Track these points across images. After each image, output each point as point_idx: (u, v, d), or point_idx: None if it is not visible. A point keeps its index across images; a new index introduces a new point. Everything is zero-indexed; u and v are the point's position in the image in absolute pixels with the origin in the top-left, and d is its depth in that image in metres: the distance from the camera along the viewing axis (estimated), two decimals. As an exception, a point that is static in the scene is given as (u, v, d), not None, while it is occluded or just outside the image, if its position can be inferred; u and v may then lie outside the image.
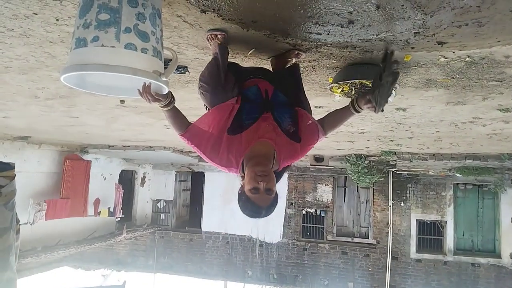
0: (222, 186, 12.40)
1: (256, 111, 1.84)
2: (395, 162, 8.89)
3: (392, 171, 10.59)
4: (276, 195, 1.80)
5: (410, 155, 7.91)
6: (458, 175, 9.32)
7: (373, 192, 11.37)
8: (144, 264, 13.04)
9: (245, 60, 2.49)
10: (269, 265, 11.96)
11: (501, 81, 2.75)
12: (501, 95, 3.12)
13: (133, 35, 1.48)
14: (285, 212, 11.95)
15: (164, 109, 1.78)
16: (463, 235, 10.86)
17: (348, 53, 2.32)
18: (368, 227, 11.47)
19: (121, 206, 11.12)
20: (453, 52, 2.25)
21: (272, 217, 12.21)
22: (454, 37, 2.02)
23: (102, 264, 13.20)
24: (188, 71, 2.73)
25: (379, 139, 6.13)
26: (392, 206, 11.01)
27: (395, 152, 7.88)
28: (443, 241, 10.87)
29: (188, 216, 13.89)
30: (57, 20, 1.91)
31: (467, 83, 2.86)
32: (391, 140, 6.22)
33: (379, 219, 11.26)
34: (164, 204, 13.40)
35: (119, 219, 11.29)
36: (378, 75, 1.82)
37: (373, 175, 9.56)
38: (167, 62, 1.76)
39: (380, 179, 10.26)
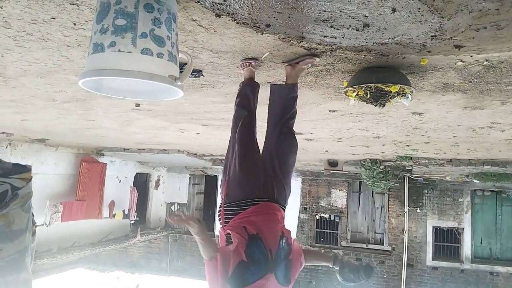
0: (236, 190, 12.40)
1: (259, 273, 1.93)
2: (411, 168, 8.77)
3: (408, 177, 10.45)
4: None
5: (426, 161, 7.79)
6: (475, 181, 9.14)
7: (389, 197, 11.24)
8: (158, 267, 13.12)
9: (260, 64, 2.48)
10: (282, 270, 11.88)
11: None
12: (519, 100, 3.06)
13: (149, 40, 1.49)
14: (299, 217, 11.89)
15: (197, 237, 1.96)
16: (481, 242, 10.64)
17: (363, 56, 2.30)
18: (383, 234, 11.33)
19: (135, 208, 11.22)
20: (471, 56, 2.21)
21: (286, 222, 12.14)
22: (472, 40, 1.99)
23: (116, 266, 13.32)
24: (203, 75, 2.75)
25: (395, 143, 6.05)
26: (408, 212, 10.85)
27: (411, 157, 7.77)
28: (460, 249, 10.66)
29: (202, 219, 13.91)
30: (75, 24, 1.94)
31: (485, 87, 2.80)
32: (407, 145, 6.14)
33: (395, 226, 11.11)
34: (178, 207, 13.48)
35: (133, 221, 11.39)
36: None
37: (389, 180, 9.44)
38: (182, 66, 1.77)
39: (396, 184, 10.13)
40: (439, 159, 7.69)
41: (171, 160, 10.53)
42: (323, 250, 11.58)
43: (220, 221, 2.23)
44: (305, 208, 11.93)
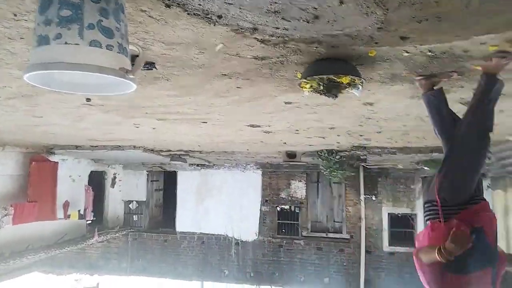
0: (195, 185, 12.33)
1: (481, 262, 2.03)
2: (365, 157, 9.07)
3: (363, 166, 10.81)
4: None
5: (379, 150, 8.08)
6: (425, 168, 9.60)
7: (345, 187, 11.58)
8: (118, 267, 12.81)
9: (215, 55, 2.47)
10: (246, 264, 11.98)
11: (461, 75, 2.86)
12: (462, 89, 3.24)
13: (97, 31, 1.44)
14: (260, 209, 12.00)
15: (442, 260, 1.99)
16: (433, 226, 11.21)
17: (315, 48, 2.35)
18: (342, 222, 11.67)
19: (91, 208, 10.88)
20: (415, 47, 2.32)
21: (247, 215, 12.35)
22: (416, 32, 2.09)
23: (73, 268, 12.87)
24: (156, 68, 2.70)
25: (349, 134, 6.24)
26: (364, 200, 11.24)
27: (365, 147, 8.03)
28: (414, 234, 11.17)
29: (162, 217, 13.73)
30: (15, 15, 1.85)
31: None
32: (361, 135, 6.35)
33: (352, 214, 11.48)
34: (137, 205, 13.19)
35: (90, 221, 11.04)
36: None
37: (345, 170, 9.71)
38: (133, 59, 1.73)
39: (352, 174, 10.44)
40: (391, 148, 8.00)
41: (127, 156, 10.27)
42: (285, 242, 11.78)
43: (435, 219, 2.27)
44: (266, 201, 12.06)
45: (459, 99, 3.62)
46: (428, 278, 2.12)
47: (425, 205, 2.39)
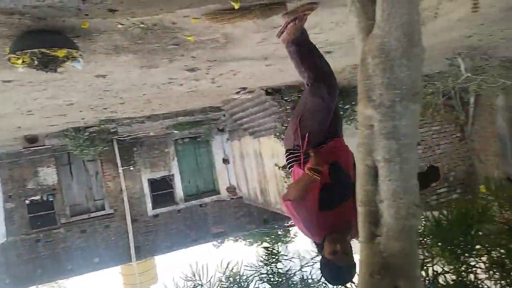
0: None
1: (344, 194, 2.06)
2: (116, 129, 8.99)
3: (116, 139, 10.69)
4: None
5: (128, 120, 8.15)
6: (175, 131, 10.33)
7: (101, 163, 11.25)
8: None
9: None
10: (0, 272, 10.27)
11: (178, 45, 3.17)
12: (183, 57, 3.61)
13: None
14: (4, 207, 10.33)
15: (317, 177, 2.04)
16: (189, 182, 12.31)
17: (18, 20, 2.15)
18: (103, 199, 11.38)
19: None
20: (127, 19, 2.43)
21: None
22: (122, 4, 2.18)
23: None
24: None
25: (92, 108, 6.03)
26: (123, 172, 11.23)
27: (113, 120, 7.95)
28: (174, 193, 12.01)
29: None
30: None
31: (151, 48, 3.15)
32: (104, 108, 6.23)
33: (113, 188, 11.32)
34: None
35: None
36: None
37: (97, 146, 9.37)
38: None
39: (105, 148, 10.18)
40: (139, 117, 8.20)
41: None
42: (42, 235, 10.65)
43: (295, 163, 2.30)
44: (10, 196, 10.46)
45: (183, 66, 4.02)
46: (303, 223, 2.15)
47: (285, 154, 2.44)
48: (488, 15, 3.68)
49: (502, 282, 2.40)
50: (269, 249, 3.05)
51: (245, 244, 15.37)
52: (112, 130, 9.21)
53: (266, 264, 2.90)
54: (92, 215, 11.19)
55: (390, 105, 0.75)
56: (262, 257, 2.99)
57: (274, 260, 2.92)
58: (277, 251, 3.04)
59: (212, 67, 4.24)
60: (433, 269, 2.54)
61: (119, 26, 2.49)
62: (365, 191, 0.84)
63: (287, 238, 14.80)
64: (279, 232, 14.70)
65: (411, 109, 0.77)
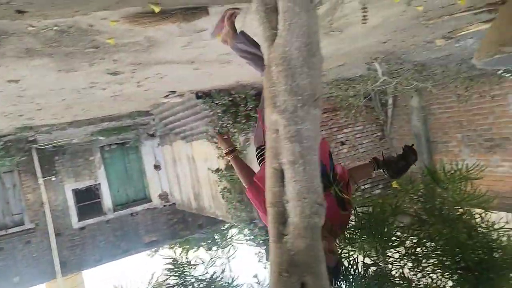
0: None
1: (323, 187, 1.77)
2: (34, 138, 8.39)
3: (35, 147, 9.95)
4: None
5: (48, 127, 7.65)
6: (101, 137, 9.86)
7: (19, 174, 10.38)
8: None
9: None
10: None
11: (97, 48, 3.04)
12: (104, 60, 3.47)
13: None
14: None
15: (229, 157, 1.87)
16: (118, 191, 11.80)
17: None
18: (22, 213, 10.51)
19: None
20: (39, 21, 2.28)
21: None
22: (32, 6, 2.05)
23: None
24: None
25: (5, 115, 5.58)
26: (44, 183, 10.47)
27: (31, 127, 7.41)
28: (101, 203, 11.44)
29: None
30: None
31: (68, 51, 2.99)
32: (20, 115, 5.79)
33: (33, 201, 10.50)
34: None
35: None
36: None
37: (13, 156, 8.69)
38: None
39: (23, 158, 9.45)
40: (60, 124, 7.73)
41: None
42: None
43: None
44: None
45: (105, 70, 3.87)
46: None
47: (256, 152, 2.31)
48: (399, 23, 4.00)
49: (416, 270, 2.61)
50: (175, 258, 3.03)
51: (181, 252, 15.08)
52: (30, 139, 8.60)
53: (178, 273, 2.87)
54: (10, 231, 10.28)
55: (293, 110, 0.80)
56: (168, 266, 2.97)
57: (179, 271, 2.90)
58: (181, 261, 3.03)
59: (136, 70, 4.12)
60: (363, 262, 2.68)
61: (30, 28, 2.34)
62: (273, 193, 0.88)
63: (224, 242, 14.77)
64: (216, 237, 14.63)
65: (312, 113, 0.83)
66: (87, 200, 11.20)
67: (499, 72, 5.24)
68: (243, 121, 7.08)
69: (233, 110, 7.04)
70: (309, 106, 0.80)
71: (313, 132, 0.82)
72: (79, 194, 11.10)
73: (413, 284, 2.41)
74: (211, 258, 3.02)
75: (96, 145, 11.09)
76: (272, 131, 0.85)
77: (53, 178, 10.56)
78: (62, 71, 3.56)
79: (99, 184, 11.30)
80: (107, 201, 11.41)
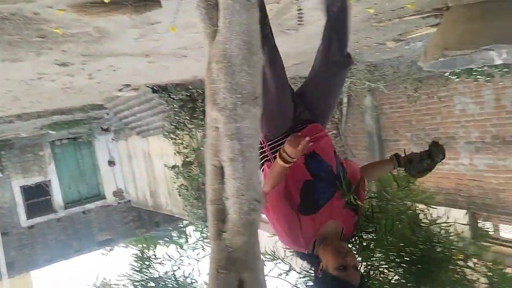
0: None
1: (329, 190, 1.77)
2: (-23, 131, 7.90)
3: (-22, 142, 9.40)
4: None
5: (-7, 120, 7.23)
6: (51, 132, 9.43)
7: (-40, 169, 9.76)
8: None
9: None
10: None
11: (44, 37, 2.90)
12: (52, 51, 3.31)
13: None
14: None
15: (286, 165, 1.57)
16: (70, 188, 11.37)
17: None
18: (-36, 211, 9.91)
19: None
20: (-24, 7, 2.15)
21: None
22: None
23: None
24: None
25: None
26: (-12, 180, 9.92)
27: (-27, 120, 6.97)
28: (52, 200, 10.98)
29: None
30: None
31: (12, 39, 2.83)
32: (-40, 107, 5.43)
33: (-24, 198, 9.93)
34: None
35: None
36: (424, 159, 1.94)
37: (-47, 150, 8.14)
38: None
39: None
40: (6, 117, 7.32)
41: None
42: None
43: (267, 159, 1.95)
44: None
45: (54, 61, 3.70)
46: (284, 231, 1.71)
47: None
48: (352, 24, 4.11)
49: (366, 263, 2.71)
50: (139, 254, 2.96)
51: (137, 249, 14.75)
52: (-28, 132, 8.08)
53: (138, 271, 2.81)
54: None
55: (233, 108, 0.80)
56: (132, 264, 2.89)
57: (145, 265, 2.84)
58: (148, 255, 2.97)
59: (87, 62, 3.97)
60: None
61: (-34, 13, 2.19)
62: (213, 190, 0.88)
63: (181, 240, 14.63)
64: (173, 234, 14.44)
65: (252, 112, 0.84)
66: (37, 197, 10.71)
67: (446, 74, 5.51)
68: (201, 117, 7.01)
69: (191, 106, 6.95)
70: (248, 104, 0.81)
71: (252, 130, 0.83)
72: (27, 191, 10.59)
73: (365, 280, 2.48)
74: (180, 257, 2.96)
75: (46, 139, 10.61)
76: (212, 128, 0.85)
77: (0, 174, 10.01)
78: (6, 60, 3.36)
79: (49, 180, 10.84)
80: (57, 198, 10.97)
